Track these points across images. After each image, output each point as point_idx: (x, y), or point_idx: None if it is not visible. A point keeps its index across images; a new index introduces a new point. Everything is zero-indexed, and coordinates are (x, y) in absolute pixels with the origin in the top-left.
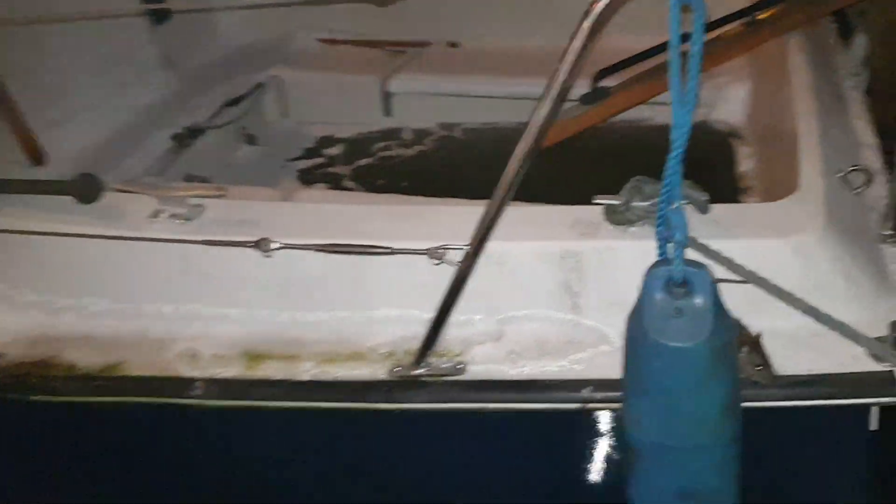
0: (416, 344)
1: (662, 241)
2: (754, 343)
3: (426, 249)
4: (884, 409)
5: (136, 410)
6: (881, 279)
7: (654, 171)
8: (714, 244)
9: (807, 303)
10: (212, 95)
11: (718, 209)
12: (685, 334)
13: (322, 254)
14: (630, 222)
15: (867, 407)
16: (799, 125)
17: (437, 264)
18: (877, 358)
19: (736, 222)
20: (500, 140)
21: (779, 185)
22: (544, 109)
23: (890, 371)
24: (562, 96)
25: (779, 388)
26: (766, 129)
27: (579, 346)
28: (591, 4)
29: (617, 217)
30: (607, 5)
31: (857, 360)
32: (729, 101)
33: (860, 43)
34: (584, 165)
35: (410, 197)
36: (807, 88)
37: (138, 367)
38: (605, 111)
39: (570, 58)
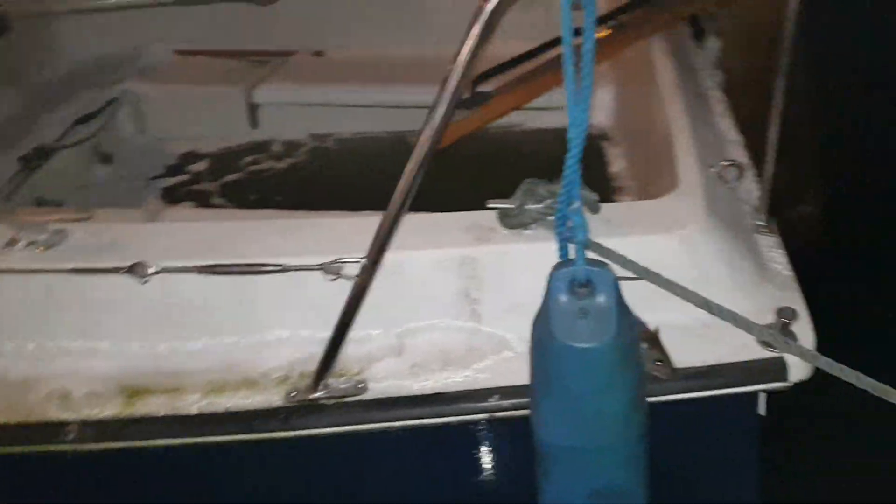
0: (312, 366)
1: (563, 242)
2: (653, 338)
3: (321, 265)
4: (772, 394)
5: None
6: (761, 268)
7: (532, 174)
8: (607, 242)
9: (699, 295)
10: (61, 113)
11: (607, 208)
12: (591, 335)
13: (203, 276)
14: (524, 225)
15: (756, 393)
16: (671, 125)
17: (334, 279)
18: (766, 345)
19: (624, 220)
20: (374, 150)
21: (654, 183)
22: (438, 114)
23: (780, 357)
24: (455, 100)
25: (678, 382)
26: (635, 129)
27: (482, 354)
28: (480, 5)
29: (511, 221)
30: (497, 6)
31: (747, 348)
32: (594, 104)
33: (713, 45)
34: (461, 172)
35: (289, 211)
36: (673, 89)
37: (0, 413)
38: (486, 116)
39: (462, 60)
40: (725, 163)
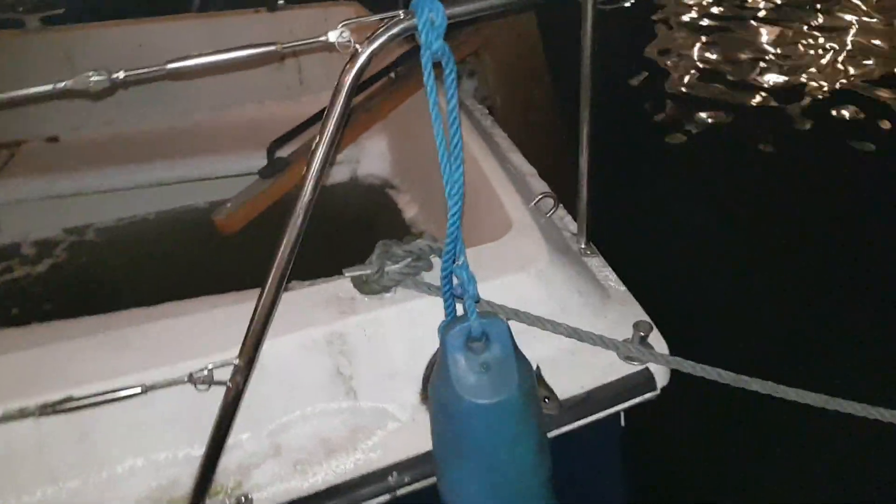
0: (179, 491)
1: (449, 300)
2: (538, 377)
3: (188, 375)
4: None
5: None
6: (601, 289)
7: (340, 232)
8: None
9: (570, 327)
10: None
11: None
12: (497, 388)
13: (29, 419)
14: (386, 289)
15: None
16: (480, 166)
17: (206, 389)
18: (629, 359)
19: (478, 264)
20: (144, 234)
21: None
22: (310, 184)
23: (645, 368)
24: (325, 164)
25: (565, 414)
26: (420, 175)
27: (367, 431)
28: (349, 63)
29: (370, 286)
30: (364, 62)
31: (613, 367)
32: (371, 155)
33: (468, 85)
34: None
35: (74, 320)
36: (469, 129)
37: None
38: (289, 181)
39: (333, 122)
40: (540, 196)
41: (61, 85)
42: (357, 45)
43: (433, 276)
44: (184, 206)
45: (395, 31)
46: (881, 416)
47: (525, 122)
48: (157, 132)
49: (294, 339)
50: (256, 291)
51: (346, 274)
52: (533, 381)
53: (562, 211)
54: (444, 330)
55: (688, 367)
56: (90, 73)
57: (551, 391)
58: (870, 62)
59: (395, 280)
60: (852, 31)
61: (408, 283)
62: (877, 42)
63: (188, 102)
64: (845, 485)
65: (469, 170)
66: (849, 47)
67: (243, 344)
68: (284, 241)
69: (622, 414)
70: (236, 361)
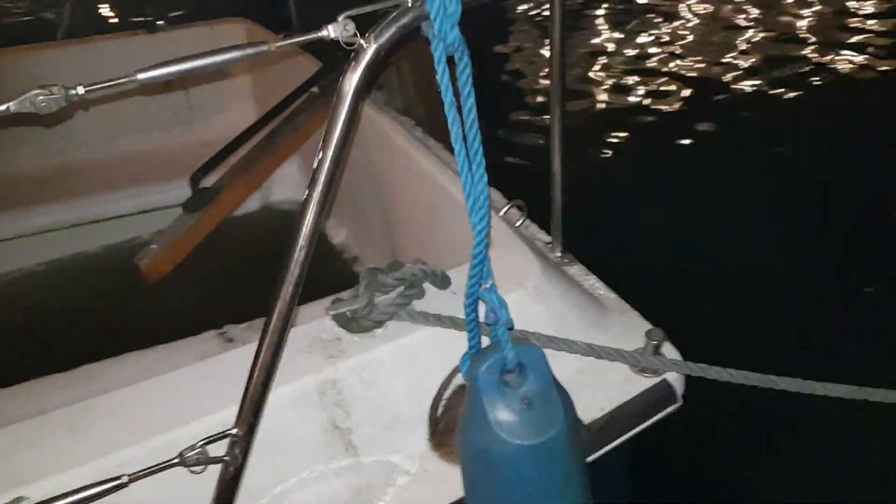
0: None
1: (475, 330)
2: None
3: (179, 456)
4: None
5: None
6: (593, 299)
7: (260, 266)
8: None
9: (597, 345)
10: None
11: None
12: (544, 425)
13: None
14: (378, 324)
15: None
16: (438, 180)
17: (202, 471)
18: (643, 371)
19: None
20: (56, 281)
21: (428, 244)
22: (312, 211)
23: (664, 380)
24: (331, 186)
25: (594, 441)
26: (347, 197)
27: (375, 491)
28: (353, 61)
29: (359, 324)
30: (371, 59)
31: (628, 382)
32: (283, 178)
33: (377, 97)
34: (198, 283)
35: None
36: (409, 143)
37: None
38: (219, 213)
39: (338, 133)
40: (509, 205)
41: (2, 108)
42: (362, 41)
43: (424, 304)
44: (94, 248)
45: (404, 20)
46: None
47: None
48: (44, 170)
49: (281, 395)
50: (193, 341)
51: (331, 313)
52: (574, 410)
53: (528, 221)
54: (471, 364)
55: (713, 373)
56: (36, 92)
57: (577, 419)
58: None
59: (387, 313)
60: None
61: (401, 316)
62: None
63: (72, 138)
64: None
65: (426, 185)
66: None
67: (241, 410)
68: (285, 283)
69: None
70: (235, 431)
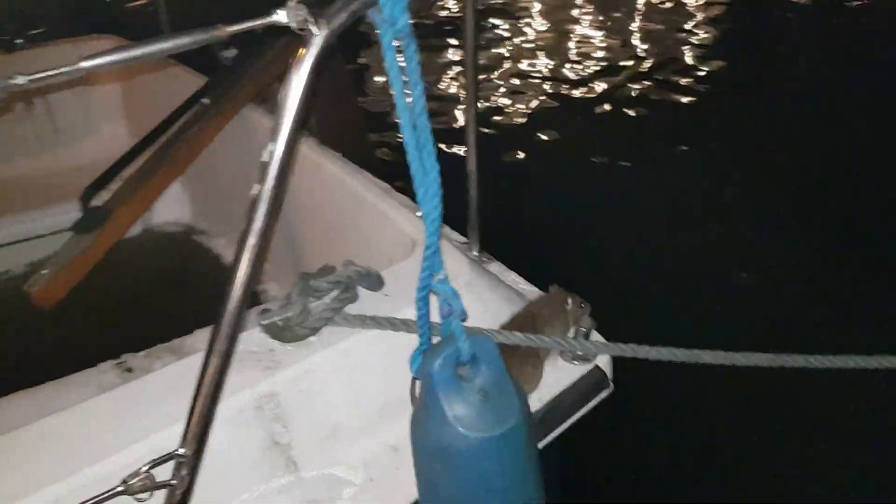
0: None
1: (425, 325)
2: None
3: (122, 483)
4: None
5: None
6: (518, 294)
7: (145, 294)
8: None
9: (523, 335)
10: None
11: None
12: (502, 415)
13: None
14: (314, 331)
15: None
16: (352, 184)
17: (148, 497)
18: (575, 358)
19: (398, 287)
20: None
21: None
22: (260, 217)
23: (595, 365)
24: (281, 192)
25: (539, 432)
26: (240, 210)
27: None
28: (302, 50)
29: (293, 332)
30: (323, 48)
31: (561, 371)
32: (165, 199)
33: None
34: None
35: None
36: (310, 149)
37: None
38: (113, 234)
39: (287, 133)
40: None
41: None
42: (314, 28)
43: (358, 308)
44: None
45: (354, 5)
46: (829, 364)
47: (341, 142)
48: None
49: (217, 414)
50: (92, 373)
51: (263, 322)
52: (527, 399)
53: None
54: (423, 360)
55: (644, 352)
56: None
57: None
58: None
59: (323, 319)
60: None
61: (336, 321)
62: None
63: None
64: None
65: (339, 190)
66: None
67: (186, 428)
68: (233, 292)
69: None
70: (182, 451)
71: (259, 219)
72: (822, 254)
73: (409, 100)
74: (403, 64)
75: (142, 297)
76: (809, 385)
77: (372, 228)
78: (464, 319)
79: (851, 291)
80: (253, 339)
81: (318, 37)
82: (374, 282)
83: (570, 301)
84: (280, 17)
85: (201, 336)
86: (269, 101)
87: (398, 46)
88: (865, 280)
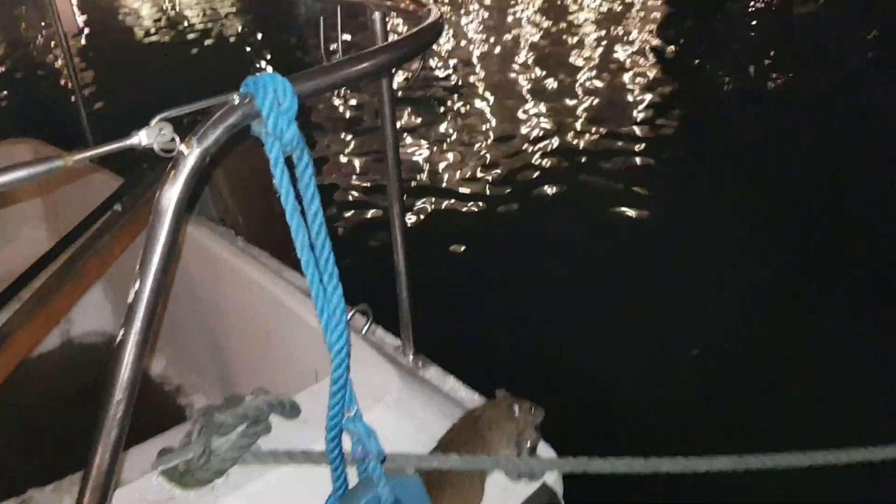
0: None
1: (339, 468)
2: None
3: None
4: None
5: None
6: (457, 403)
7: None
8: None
9: (458, 457)
10: None
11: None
12: None
13: None
14: (219, 474)
15: None
16: (273, 292)
17: None
18: (521, 476)
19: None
20: None
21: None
22: (129, 359)
23: (543, 483)
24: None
25: None
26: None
27: None
28: (172, 171)
29: (195, 476)
30: (195, 166)
31: (506, 493)
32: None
33: (212, 201)
34: None
35: None
36: (233, 254)
37: None
38: (14, 355)
39: (158, 258)
40: (353, 311)
41: None
42: (182, 147)
43: (272, 441)
44: None
45: (231, 119)
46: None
47: (271, 238)
48: None
49: None
50: None
51: (161, 469)
52: None
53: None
54: None
55: (596, 465)
56: None
57: None
58: None
59: (229, 459)
60: None
61: (246, 459)
62: None
63: None
64: None
65: (256, 298)
66: None
67: None
68: (103, 435)
69: None
70: None
71: (126, 367)
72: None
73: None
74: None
75: (56, 418)
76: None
77: (298, 339)
78: (382, 461)
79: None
80: (150, 484)
81: (189, 157)
82: (289, 410)
83: (516, 408)
84: (140, 138)
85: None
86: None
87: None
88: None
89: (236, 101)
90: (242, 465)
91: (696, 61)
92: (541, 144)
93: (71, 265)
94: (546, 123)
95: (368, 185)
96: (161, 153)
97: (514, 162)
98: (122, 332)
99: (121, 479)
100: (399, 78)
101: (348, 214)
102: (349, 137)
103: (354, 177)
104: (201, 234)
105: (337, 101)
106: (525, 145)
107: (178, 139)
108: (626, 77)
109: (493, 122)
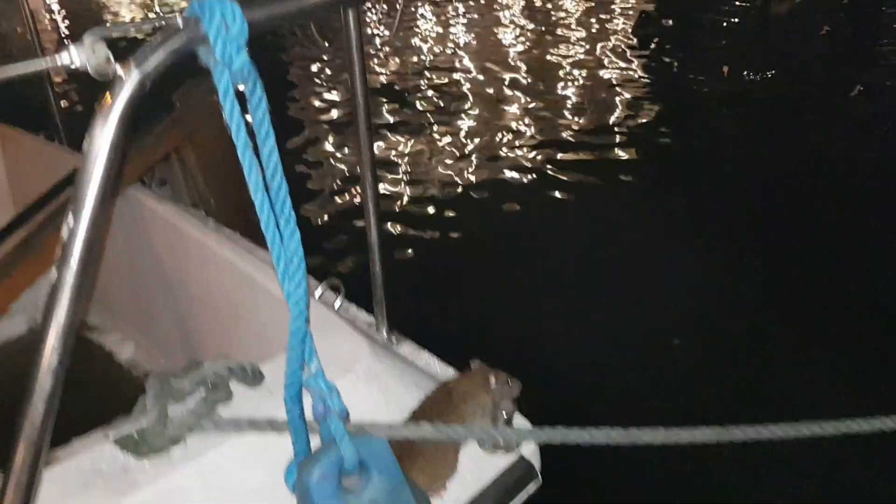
0: None
1: (301, 429)
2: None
3: None
4: None
5: None
6: (431, 377)
7: None
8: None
9: (430, 426)
10: None
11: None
12: None
13: None
14: (174, 441)
15: None
16: (242, 268)
17: None
18: (497, 448)
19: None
20: None
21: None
22: (61, 315)
23: (520, 456)
24: (83, 280)
25: None
26: (133, 302)
27: None
28: (109, 96)
29: (150, 445)
30: (134, 94)
31: (481, 465)
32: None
33: (171, 188)
34: None
35: None
36: (202, 233)
37: None
38: None
39: (93, 202)
40: (324, 286)
41: None
42: (119, 69)
43: (234, 409)
44: None
45: (174, 44)
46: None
47: (245, 222)
48: None
49: None
50: None
51: (115, 439)
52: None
53: (346, 302)
54: (299, 474)
55: (575, 436)
56: None
57: None
58: None
59: (186, 426)
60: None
61: (204, 426)
62: None
63: None
64: None
65: (226, 275)
66: None
67: None
68: (31, 411)
69: None
70: None
71: (61, 313)
72: (756, 308)
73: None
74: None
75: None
76: (762, 452)
77: (270, 316)
78: (345, 419)
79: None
80: (103, 455)
81: (127, 82)
82: (250, 377)
83: (492, 378)
84: (70, 56)
85: (78, 447)
86: (165, 184)
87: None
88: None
89: (181, 24)
90: (201, 433)
91: (673, 60)
92: (519, 138)
93: (29, 242)
94: (525, 117)
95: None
96: (96, 76)
97: (493, 150)
98: (54, 276)
99: (72, 449)
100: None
101: (320, 192)
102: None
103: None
104: (169, 214)
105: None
106: (504, 136)
107: (114, 61)
108: (605, 74)
109: (474, 114)
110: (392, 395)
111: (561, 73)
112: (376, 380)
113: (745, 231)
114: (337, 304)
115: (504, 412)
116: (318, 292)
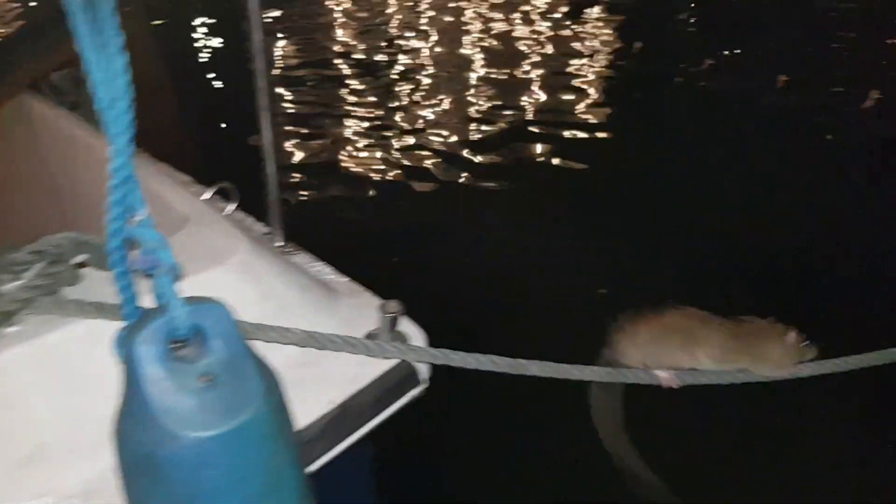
0: None
1: (127, 286)
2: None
3: None
4: None
5: None
6: (319, 283)
7: None
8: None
9: (301, 331)
10: None
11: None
12: (234, 405)
13: None
14: (6, 317)
15: None
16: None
17: None
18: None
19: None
20: None
21: None
22: None
23: (403, 360)
24: None
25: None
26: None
27: None
28: None
29: None
30: None
31: (362, 366)
32: None
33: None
34: None
35: None
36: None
37: None
38: None
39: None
40: (215, 188)
41: None
42: None
43: (81, 292)
44: None
45: None
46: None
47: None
48: None
49: None
50: None
51: None
52: (278, 386)
53: (242, 213)
54: (125, 338)
55: (457, 359)
56: None
57: None
58: None
59: (18, 302)
60: None
61: (41, 305)
62: None
63: None
64: None
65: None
66: None
67: None
68: None
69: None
70: None
71: None
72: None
73: None
74: None
75: None
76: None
77: (165, 226)
78: (177, 277)
79: None
80: None
81: None
82: (104, 256)
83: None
84: None
85: None
86: (48, 88)
87: None
88: None
89: None
90: (37, 312)
91: (648, 58)
92: (485, 124)
93: None
94: (493, 101)
95: None
96: None
97: (460, 135)
98: None
99: None
100: None
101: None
102: None
103: None
104: (64, 122)
105: None
106: (470, 124)
107: None
108: (575, 70)
109: (439, 103)
110: (269, 290)
111: (527, 65)
112: (251, 275)
113: (714, 224)
114: (228, 209)
115: (389, 313)
116: (208, 194)
